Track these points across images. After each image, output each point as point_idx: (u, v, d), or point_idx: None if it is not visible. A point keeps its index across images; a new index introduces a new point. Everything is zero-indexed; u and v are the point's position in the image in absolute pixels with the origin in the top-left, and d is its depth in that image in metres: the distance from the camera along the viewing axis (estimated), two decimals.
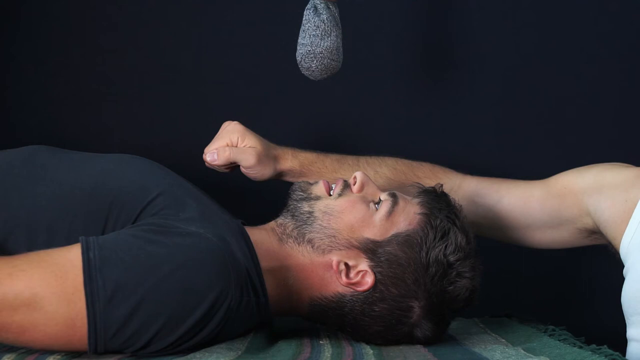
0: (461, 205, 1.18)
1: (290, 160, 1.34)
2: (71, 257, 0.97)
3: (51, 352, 0.99)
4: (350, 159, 1.37)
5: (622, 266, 1.21)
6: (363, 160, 1.37)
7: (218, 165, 1.32)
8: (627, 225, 1.18)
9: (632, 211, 1.18)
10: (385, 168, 1.36)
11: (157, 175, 1.17)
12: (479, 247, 1.16)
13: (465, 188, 1.34)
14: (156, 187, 1.12)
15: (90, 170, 1.14)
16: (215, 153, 1.31)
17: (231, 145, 1.31)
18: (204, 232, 1.04)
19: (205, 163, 1.33)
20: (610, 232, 1.21)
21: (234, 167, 1.33)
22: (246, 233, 1.12)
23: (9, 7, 1.68)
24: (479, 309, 1.20)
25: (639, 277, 1.15)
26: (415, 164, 1.38)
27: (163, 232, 1.02)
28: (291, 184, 1.23)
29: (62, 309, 0.94)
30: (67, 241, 1.01)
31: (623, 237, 1.19)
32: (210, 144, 1.33)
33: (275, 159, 1.34)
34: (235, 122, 1.34)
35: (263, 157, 1.31)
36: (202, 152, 1.34)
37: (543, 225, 1.30)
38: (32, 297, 0.94)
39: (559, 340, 1.15)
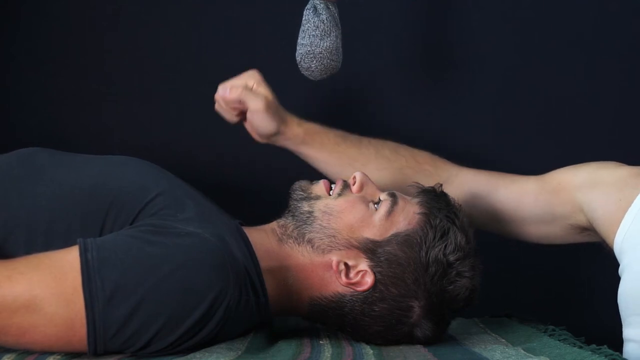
0: (460, 205, 1.18)
1: (296, 126, 1.35)
2: (70, 258, 0.97)
3: (51, 352, 0.98)
4: (353, 137, 1.39)
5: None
6: (366, 139, 1.39)
7: (226, 101, 1.32)
8: (620, 224, 1.19)
9: (626, 210, 1.18)
10: (387, 150, 1.37)
11: (156, 176, 1.17)
12: (479, 247, 1.16)
13: (461, 179, 1.35)
14: (155, 188, 1.12)
15: (89, 171, 1.14)
16: (228, 88, 1.31)
17: (246, 87, 1.31)
18: (202, 232, 1.04)
19: (216, 103, 1.34)
20: (603, 229, 1.22)
21: (241, 114, 1.33)
22: (244, 233, 1.12)
23: (9, 7, 1.68)
24: (479, 309, 1.20)
25: (634, 277, 1.15)
26: (415, 150, 1.40)
27: (162, 233, 1.02)
28: (291, 183, 1.23)
29: (61, 310, 0.94)
30: (66, 242, 1.01)
31: (616, 236, 1.19)
32: (226, 82, 1.33)
33: (282, 120, 1.34)
34: (255, 70, 1.34)
35: (272, 108, 1.32)
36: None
37: (536, 220, 1.30)
38: (31, 299, 0.94)
39: (559, 340, 1.15)
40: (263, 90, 1.32)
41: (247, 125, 1.36)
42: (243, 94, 1.31)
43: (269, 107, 1.31)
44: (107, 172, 1.15)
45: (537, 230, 1.32)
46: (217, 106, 1.35)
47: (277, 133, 1.34)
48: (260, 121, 1.32)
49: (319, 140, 1.36)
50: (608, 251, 1.23)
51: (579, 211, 1.26)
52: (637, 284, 1.15)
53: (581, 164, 1.30)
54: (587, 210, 1.24)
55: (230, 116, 1.35)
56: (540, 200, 1.29)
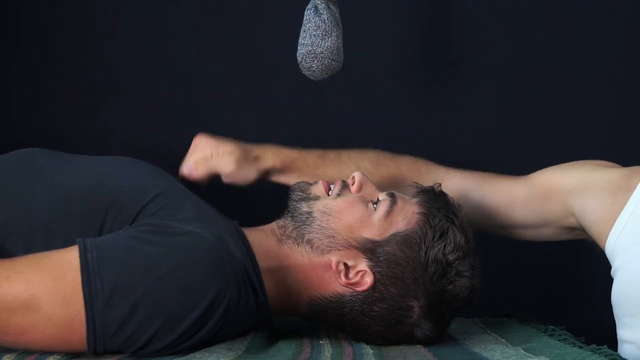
0: (460, 205, 1.18)
1: (272, 159, 1.34)
2: (69, 258, 0.97)
3: (51, 352, 0.98)
4: (331, 154, 1.37)
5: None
6: (345, 155, 1.37)
7: (197, 177, 1.32)
8: (612, 227, 1.18)
9: (618, 214, 1.18)
10: (368, 162, 1.36)
11: (154, 177, 1.17)
12: (478, 247, 1.16)
13: (447, 183, 1.32)
14: (154, 188, 1.12)
15: (88, 172, 1.14)
16: (192, 166, 1.31)
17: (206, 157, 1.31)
18: (201, 231, 1.04)
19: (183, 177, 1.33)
20: (595, 232, 1.22)
21: (213, 176, 1.33)
22: (243, 233, 1.12)
23: (9, 7, 1.68)
24: (479, 309, 1.20)
25: (627, 279, 1.15)
26: (397, 157, 1.38)
27: (161, 233, 1.03)
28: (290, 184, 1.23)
29: (60, 310, 0.94)
30: (65, 242, 1.01)
31: (608, 238, 1.19)
32: (185, 159, 1.33)
33: (256, 159, 1.33)
34: (204, 136, 1.33)
35: (242, 161, 1.31)
36: None
37: (527, 225, 1.31)
38: (30, 298, 0.94)
39: (559, 340, 1.15)
40: (225, 149, 1.31)
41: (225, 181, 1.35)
42: (210, 166, 1.31)
43: (239, 164, 1.31)
44: (106, 172, 1.15)
45: (526, 233, 1.33)
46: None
47: (258, 175, 1.34)
48: (237, 179, 1.32)
49: (297, 167, 1.35)
50: (600, 251, 1.23)
51: (570, 214, 1.26)
52: (631, 285, 1.15)
53: (571, 164, 1.29)
54: (579, 214, 1.24)
55: (203, 183, 1.34)
56: (531, 206, 1.29)
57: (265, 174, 1.35)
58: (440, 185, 1.20)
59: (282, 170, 1.35)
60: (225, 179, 1.32)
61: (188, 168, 1.31)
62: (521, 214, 1.30)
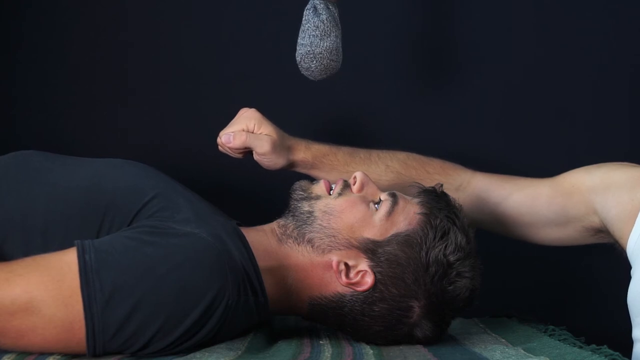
0: (461, 205, 1.18)
1: (304, 152, 1.34)
2: (67, 260, 0.97)
3: (50, 352, 0.98)
4: (362, 153, 1.38)
5: (624, 266, 1.21)
6: (375, 154, 1.38)
7: (231, 149, 1.31)
8: (633, 225, 1.18)
9: (638, 210, 1.18)
10: (397, 163, 1.36)
11: (151, 178, 1.17)
12: (479, 247, 1.16)
13: (474, 184, 1.34)
14: (151, 190, 1.12)
15: (84, 174, 1.14)
16: (231, 135, 1.30)
17: (247, 130, 1.31)
18: (199, 232, 1.04)
19: (219, 146, 1.33)
20: (616, 231, 1.21)
21: (246, 152, 1.33)
22: (242, 233, 1.12)
23: (10, 7, 1.68)
24: (479, 309, 1.20)
25: None
26: (425, 159, 1.38)
27: (159, 234, 1.03)
28: (291, 184, 1.23)
29: (59, 313, 0.95)
30: (63, 244, 1.01)
31: (630, 237, 1.19)
32: (227, 127, 1.32)
33: (289, 149, 1.33)
34: (253, 109, 1.33)
35: (278, 146, 1.31)
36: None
37: (549, 223, 1.30)
38: (29, 301, 0.94)
39: (559, 340, 1.15)
40: (266, 129, 1.31)
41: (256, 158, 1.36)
42: (248, 141, 1.30)
43: (274, 148, 1.30)
44: (104, 174, 1.15)
45: (550, 233, 1.31)
46: (220, 149, 1.34)
47: (286, 165, 1.34)
48: (268, 162, 1.32)
49: (328, 163, 1.35)
50: (620, 252, 1.22)
51: (593, 213, 1.25)
52: None
53: (594, 165, 1.29)
54: (601, 212, 1.24)
55: (235, 156, 1.34)
56: (554, 203, 1.28)
57: (294, 165, 1.35)
58: (442, 185, 1.20)
59: (313, 164, 1.35)
60: (256, 158, 1.32)
61: (227, 137, 1.31)
62: (544, 211, 1.29)
